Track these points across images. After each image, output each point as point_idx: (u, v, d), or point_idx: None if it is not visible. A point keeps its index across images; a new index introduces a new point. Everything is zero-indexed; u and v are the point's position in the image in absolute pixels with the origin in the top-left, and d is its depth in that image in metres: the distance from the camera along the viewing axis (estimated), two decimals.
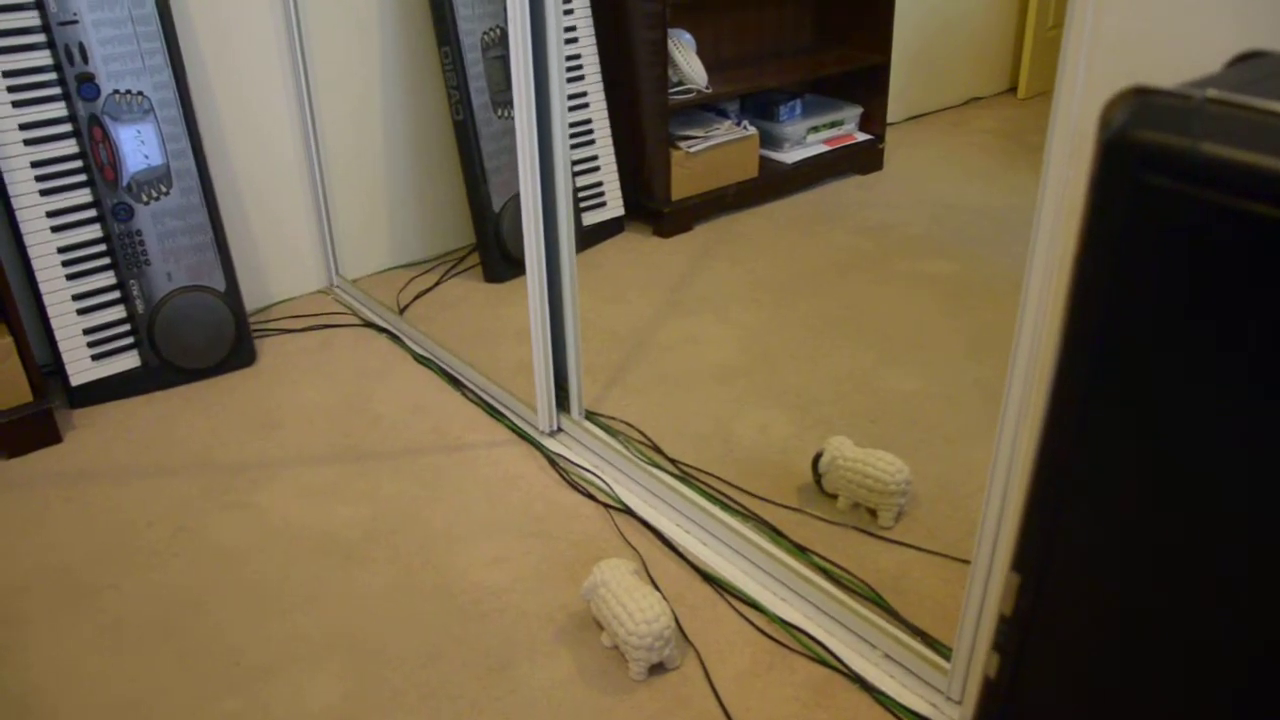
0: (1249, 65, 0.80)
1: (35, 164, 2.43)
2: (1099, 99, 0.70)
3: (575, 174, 3.33)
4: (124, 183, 2.54)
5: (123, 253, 2.57)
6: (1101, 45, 1.18)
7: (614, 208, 3.50)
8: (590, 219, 3.43)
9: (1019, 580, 0.86)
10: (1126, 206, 0.69)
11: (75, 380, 2.56)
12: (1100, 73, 1.19)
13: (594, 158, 3.40)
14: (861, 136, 4.12)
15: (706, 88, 3.54)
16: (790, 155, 3.91)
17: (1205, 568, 0.75)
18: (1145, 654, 0.81)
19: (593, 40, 3.31)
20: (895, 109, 4.50)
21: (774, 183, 3.81)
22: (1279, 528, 0.70)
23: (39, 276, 2.47)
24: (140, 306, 2.61)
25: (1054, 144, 1.26)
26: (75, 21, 2.42)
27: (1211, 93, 0.66)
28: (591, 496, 2.21)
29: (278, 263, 3.17)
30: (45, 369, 2.56)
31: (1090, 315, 0.74)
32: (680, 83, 3.51)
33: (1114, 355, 0.74)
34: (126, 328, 2.61)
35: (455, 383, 2.68)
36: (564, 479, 2.28)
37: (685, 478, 2.24)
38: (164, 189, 2.60)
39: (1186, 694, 0.81)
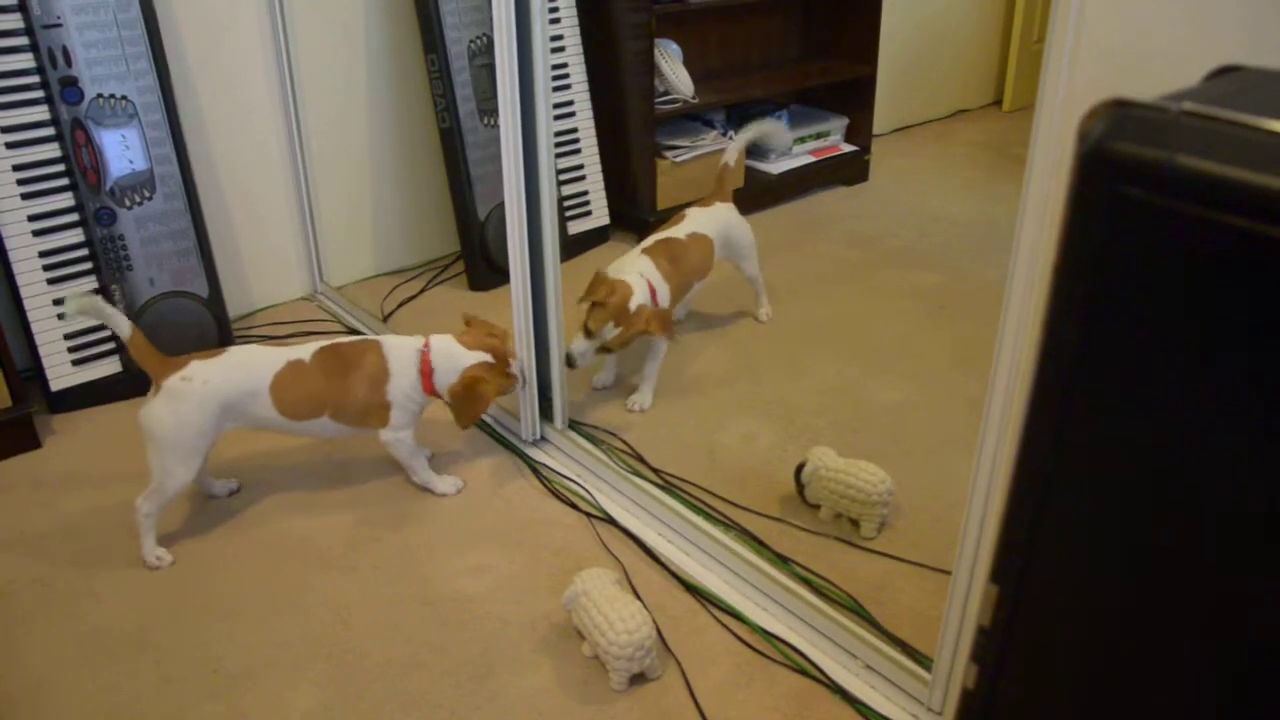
0: (1225, 79, 0.81)
1: (17, 167, 2.41)
2: (1080, 112, 0.70)
3: (561, 183, 3.33)
4: (107, 187, 2.53)
5: (105, 257, 2.55)
6: (1083, 59, 1.18)
7: (599, 217, 3.50)
8: (575, 228, 3.43)
9: (997, 592, 0.86)
10: (1104, 218, 0.69)
11: (55, 385, 2.54)
12: (1081, 86, 1.19)
13: (579, 166, 3.40)
14: (847, 148, 4.13)
15: (693, 98, 3.55)
16: (776, 166, 3.92)
17: (1183, 580, 0.75)
18: (1122, 666, 0.82)
19: (579, 49, 3.32)
20: (881, 121, 4.52)
21: (760, 193, 3.82)
22: (1259, 538, 0.70)
23: (19, 280, 2.45)
24: (122, 312, 2.59)
25: (1036, 156, 1.27)
26: (59, 25, 2.41)
27: (1187, 106, 0.67)
28: (574, 506, 2.21)
29: (261, 269, 3.16)
30: (25, 374, 2.54)
31: (1069, 326, 0.74)
32: (667, 92, 3.51)
33: (1092, 365, 0.74)
34: (108, 333, 2.59)
35: None
36: (547, 488, 2.27)
37: (668, 487, 2.23)
38: (147, 194, 2.59)
39: (1164, 706, 0.81)
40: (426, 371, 2.13)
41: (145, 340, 1.99)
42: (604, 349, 2.42)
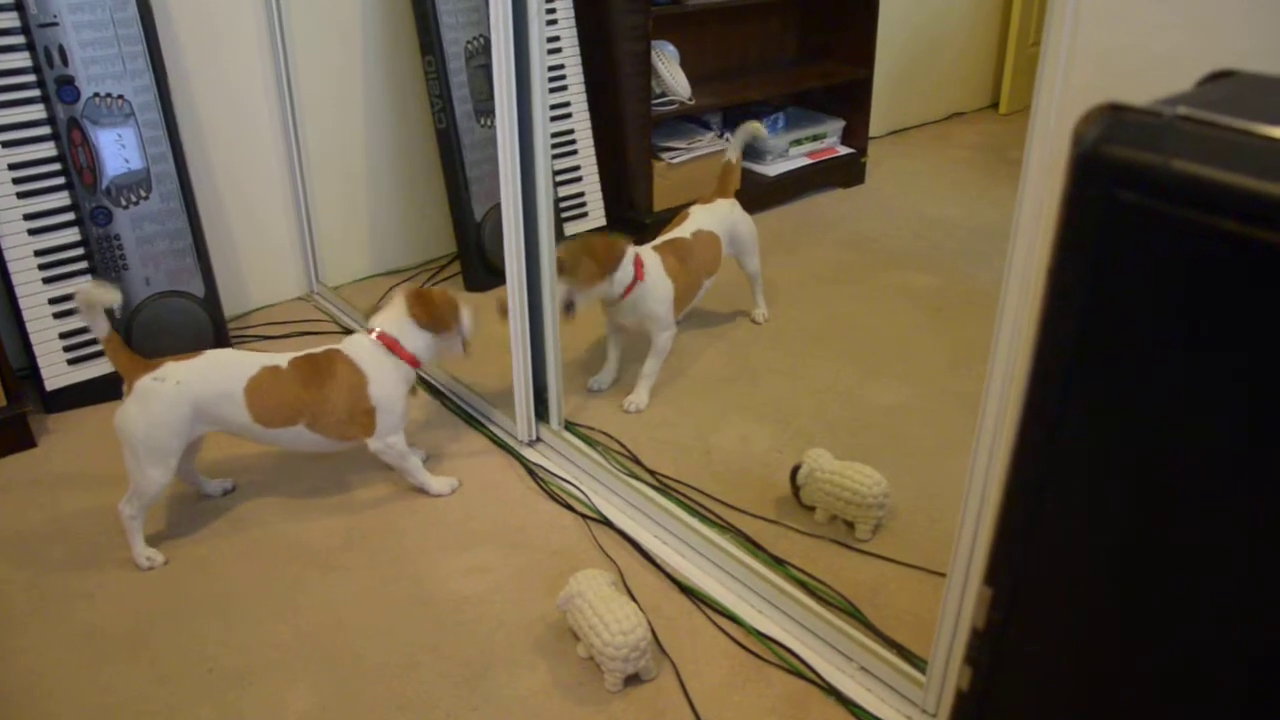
0: (1220, 84, 0.81)
1: (13, 166, 2.41)
2: (1075, 115, 0.70)
3: (557, 184, 3.33)
4: (103, 186, 2.53)
5: (101, 257, 2.55)
6: (1078, 62, 1.19)
7: (596, 218, 3.50)
8: (572, 229, 3.43)
9: (991, 594, 0.86)
10: (1099, 222, 0.69)
11: (51, 385, 2.54)
12: (1077, 89, 1.20)
13: (576, 168, 3.40)
14: (844, 150, 4.14)
15: (689, 100, 3.55)
16: (773, 168, 3.92)
17: (1178, 582, 0.75)
18: (1116, 668, 0.82)
19: (576, 50, 3.32)
20: (878, 123, 4.53)
21: (756, 195, 3.82)
22: (1254, 541, 0.70)
23: (15, 280, 2.45)
24: (118, 311, 2.59)
25: (1031, 159, 1.27)
26: (55, 24, 2.41)
27: (1182, 110, 0.67)
28: (570, 507, 2.21)
29: (258, 269, 3.15)
30: (20, 373, 2.53)
31: (1064, 329, 0.74)
32: (663, 94, 3.52)
33: (1087, 368, 0.74)
34: None
35: (434, 391, 2.68)
36: (542, 489, 2.27)
37: (664, 489, 2.23)
38: (143, 193, 2.59)
39: (1161, 707, 0.81)
40: (391, 344, 2.14)
41: (120, 342, 1.99)
42: (567, 278, 2.37)
